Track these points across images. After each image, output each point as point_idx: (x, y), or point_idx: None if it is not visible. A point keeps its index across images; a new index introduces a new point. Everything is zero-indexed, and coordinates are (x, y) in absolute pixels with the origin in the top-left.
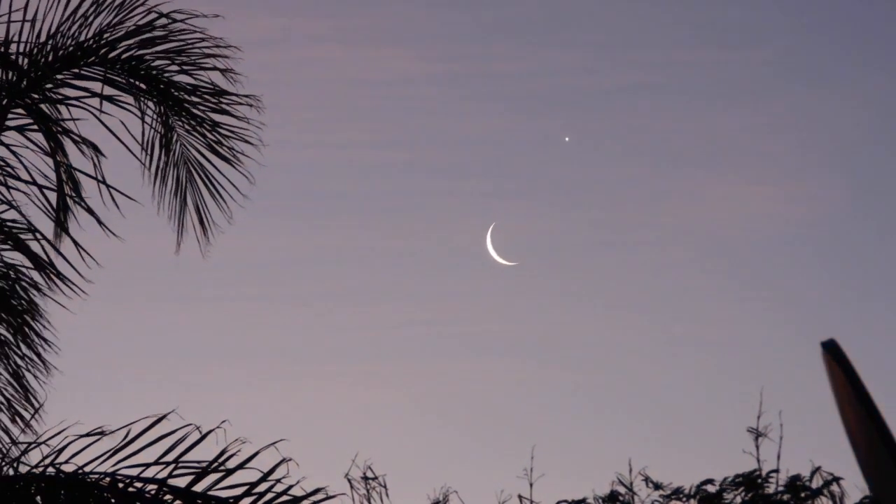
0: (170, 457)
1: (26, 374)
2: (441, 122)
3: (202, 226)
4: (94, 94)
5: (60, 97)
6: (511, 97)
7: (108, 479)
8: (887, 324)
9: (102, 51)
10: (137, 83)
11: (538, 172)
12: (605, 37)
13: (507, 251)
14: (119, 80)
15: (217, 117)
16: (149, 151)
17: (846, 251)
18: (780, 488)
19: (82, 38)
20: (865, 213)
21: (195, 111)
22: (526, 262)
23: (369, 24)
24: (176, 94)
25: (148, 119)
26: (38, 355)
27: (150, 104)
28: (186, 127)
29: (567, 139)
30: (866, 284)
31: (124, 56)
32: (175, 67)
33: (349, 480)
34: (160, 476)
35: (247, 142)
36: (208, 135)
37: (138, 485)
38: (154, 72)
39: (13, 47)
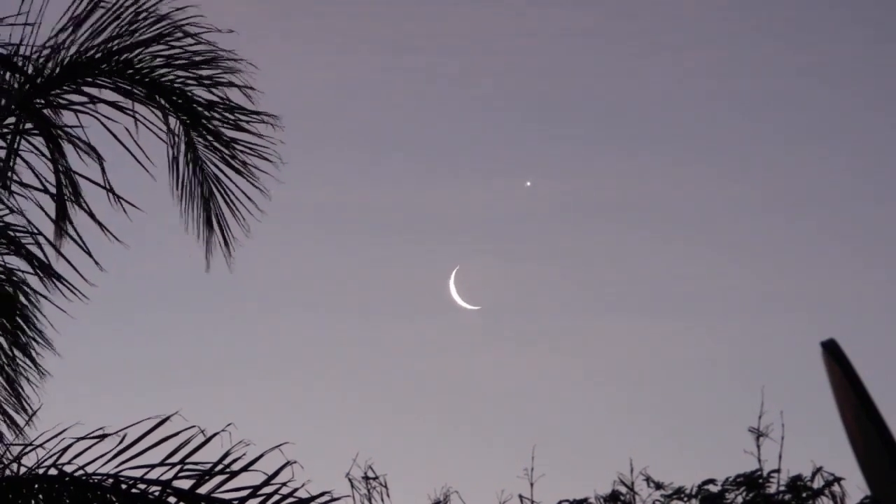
0: (174, 459)
1: (20, 378)
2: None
3: (224, 239)
4: (99, 101)
5: (65, 102)
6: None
7: (111, 480)
8: (887, 324)
9: (115, 58)
10: (158, 98)
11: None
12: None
13: (471, 294)
14: (134, 89)
15: (234, 134)
16: (174, 168)
17: (846, 247)
18: (782, 488)
19: (96, 43)
20: (865, 212)
21: (211, 126)
22: (525, 261)
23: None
24: (192, 107)
25: (163, 132)
26: (33, 360)
27: (171, 119)
28: (204, 142)
29: (528, 184)
30: (867, 284)
31: (137, 66)
32: (193, 81)
33: (350, 480)
34: (164, 478)
35: (265, 159)
36: (224, 150)
37: (142, 486)
38: (167, 82)
39: (20, 51)
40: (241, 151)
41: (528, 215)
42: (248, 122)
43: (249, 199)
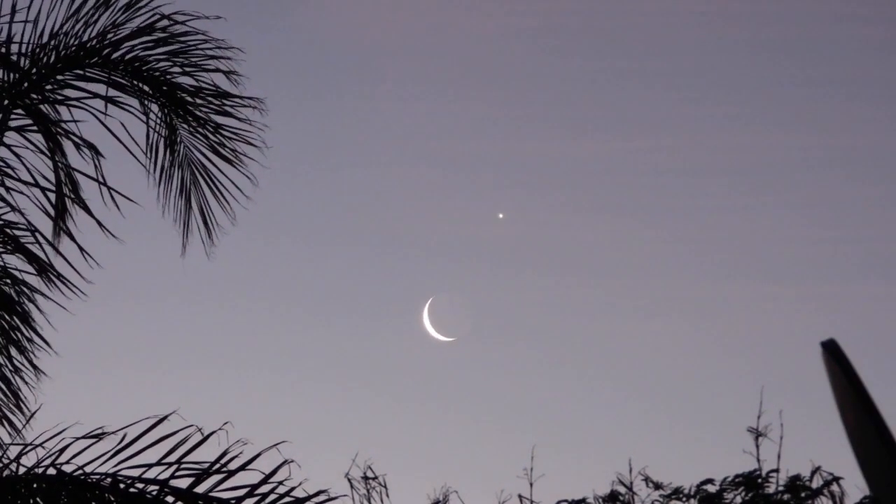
0: (171, 458)
1: (17, 379)
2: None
3: (206, 227)
4: (95, 95)
5: (61, 97)
6: None
7: (109, 479)
8: (887, 324)
9: (105, 51)
10: (140, 85)
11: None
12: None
13: (445, 325)
14: (122, 81)
15: (220, 119)
16: (153, 153)
17: (846, 246)
18: (780, 488)
19: (84, 38)
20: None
21: (198, 113)
22: (525, 260)
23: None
24: (179, 95)
25: (151, 121)
26: (31, 362)
27: (154, 106)
28: (189, 129)
29: (501, 216)
30: (867, 283)
31: (127, 57)
32: (178, 69)
33: (349, 480)
34: (162, 477)
35: (250, 144)
36: (211, 137)
37: (140, 485)
38: (157, 73)
39: (14, 48)
40: (227, 137)
41: (525, 215)
42: (232, 106)
43: (235, 185)
